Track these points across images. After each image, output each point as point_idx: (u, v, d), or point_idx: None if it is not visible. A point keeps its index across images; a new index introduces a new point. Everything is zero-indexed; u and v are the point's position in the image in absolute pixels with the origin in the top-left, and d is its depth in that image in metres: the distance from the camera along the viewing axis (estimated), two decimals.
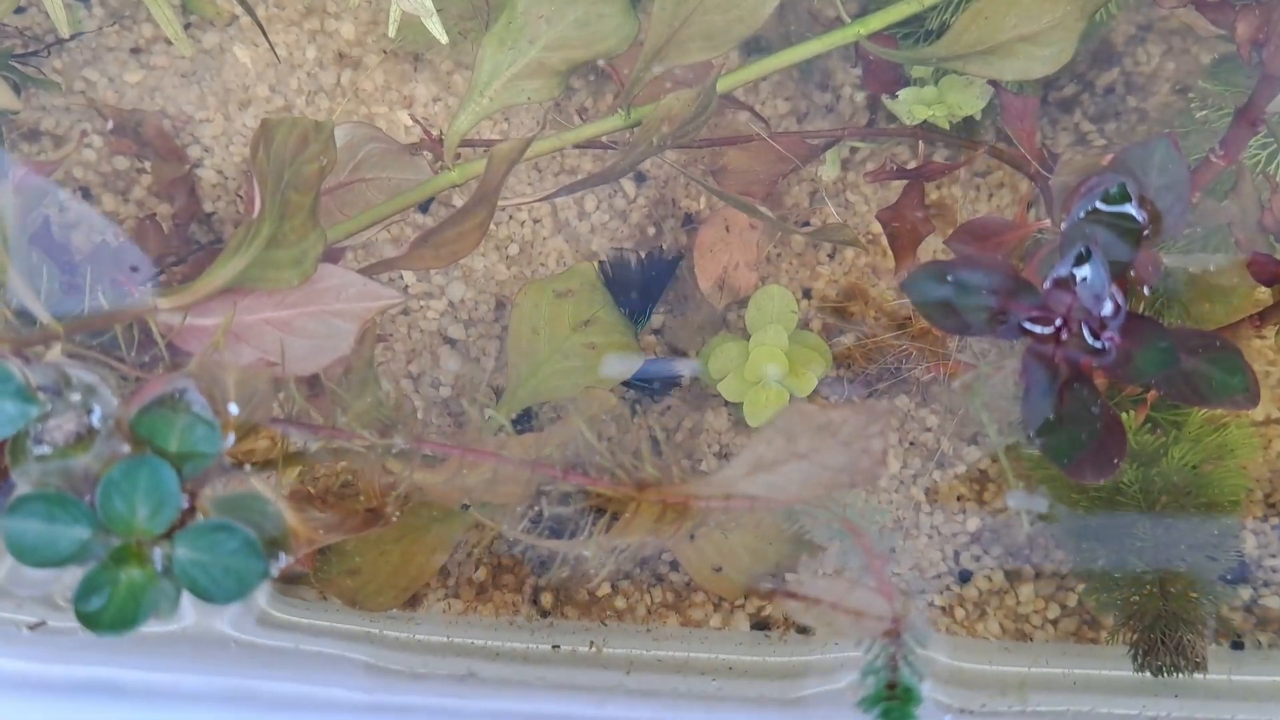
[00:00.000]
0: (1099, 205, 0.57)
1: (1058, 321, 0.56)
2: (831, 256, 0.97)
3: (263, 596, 0.79)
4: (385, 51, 0.97)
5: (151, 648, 0.67)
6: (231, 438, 0.54)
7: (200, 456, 0.52)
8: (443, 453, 0.64)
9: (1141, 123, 0.98)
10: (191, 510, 0.52)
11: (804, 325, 0.96)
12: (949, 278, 0.59)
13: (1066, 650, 0.89)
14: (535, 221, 0.97)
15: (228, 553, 0.51)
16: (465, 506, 0.78)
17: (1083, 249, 0.56)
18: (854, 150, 0.96)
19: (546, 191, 0.77)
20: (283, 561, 0.52)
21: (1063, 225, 0.56)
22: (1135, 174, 0.61)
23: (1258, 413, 0.93)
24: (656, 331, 0.96)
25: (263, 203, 0.66)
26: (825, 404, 0.91)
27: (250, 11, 0.77)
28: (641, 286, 0.94)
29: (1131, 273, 0.65)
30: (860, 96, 0.98)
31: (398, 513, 0.63)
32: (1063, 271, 0.56)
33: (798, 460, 0.59)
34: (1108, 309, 0.55)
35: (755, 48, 0.98)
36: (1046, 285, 0.56)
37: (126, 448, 0.53)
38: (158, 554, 0.52)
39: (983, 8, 0.74)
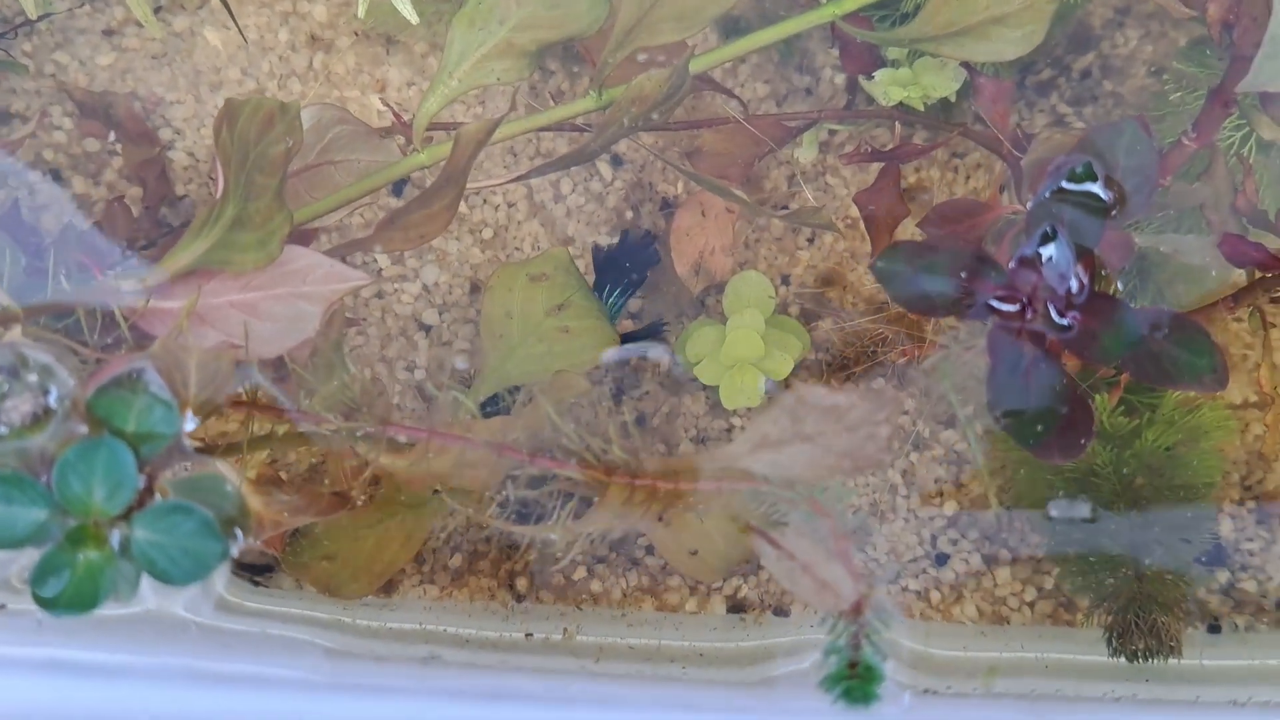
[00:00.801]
0: (1065, 185, 0.56)
1: (1023, 300, 0.56)
2: (811, 241, 0.97)
3: (220, 580, 0.78)
4: (358, 34, 0.96)
5: (109, 631, 0.67)
6: (190, 419, 0.54)
7: (158, 437, 0.52)
8: (409, 436, 0.64)
9: (1118, 106, 0.98)
10: (150, 491, 0.52)
11: (783, 310, 0.96)
12: (916, 259, 0.59)
13: (1043, 633, 0.89)
14: (510, 205, 0.96)
15: (185, 534, 0.51)
16: (436, 491, 0.78)
17: (1048, 228, 0.55)
18: (832, 133, 0.96)
19: (523, 174, 0.76)
20: (241, 542, 0.52)
21: (1028, 205, 0.56)
22: (1103, 155, 0.60)
23: (1235, 396, 0.93)
24: (634, 316, 0.96)
25: (226, 184, 0.65)
26: (834, 388, 0.91)
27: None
28: (623, 267, 0.93)
29: (1098, 253, 0.65)
30: (840, 79, 0.98)
31: (363, 497, 0.63)
32: (1028, 251, 0.56)
33: (803, 442, 0.59)
34: (1073, 287, 0.55)
35: (734, 29, 0.98)
36: (1012, 264, 0.56)
37: (84, 429, 0.53)
38: (115, 536, 0.51)
39: None
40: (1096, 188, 0.56)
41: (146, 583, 0.51)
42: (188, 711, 0.64)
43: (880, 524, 0.92)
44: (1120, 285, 0.87)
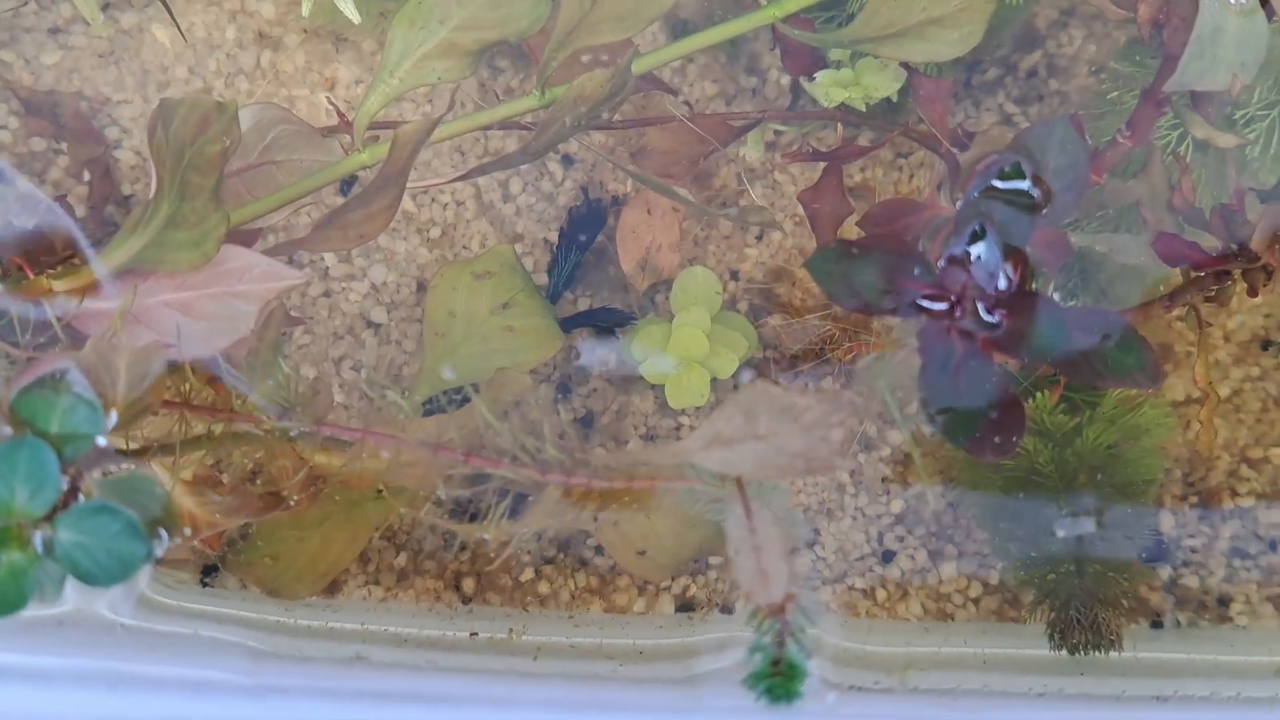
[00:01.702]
0: (994, 183, 0.57)
1: (952, 298, 0.56)
2: (759, 238, 0.97)
3: (144, 581, 0.78)
4: (306, 31, 0.96)
5: (31, 632, 0.66)
6: (114, 418, 0.54)
7: (81, 438, 0.52)
8: (343, 436, 0.64)
9: (1064, 105, 0.99)
10: (74, 492, 0.52)
11: (731, 306, 0.96)
12: (848, 258, 0.59)
13: (987, 629, 0.90)
14: (459, 204, 0.96)
15: (110, 535, 0.50)
16: (379, 491, 0.77)
17: (977, 226, 0.56)
18: (779, 133, 0.96)
19: (465, 173, 0.76)
20: (167, 543, 0.51)
21: (958, 203, 0.56)
22: (1034, 154, 0.61)
23: (1178, 393, 0.94)
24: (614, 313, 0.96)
25: (160, 183, 0.65)
26: (790, 388, 0.91)
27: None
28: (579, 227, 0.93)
29: (1029, 251, 0.66)
30: (786, 80, 0.98)
31: (297, 496, 0.63)
32: (957, 249, 0.56)
33: (756, 440, 0.59)
34: (1001, 285, 0.56)
35: (682, 30, 0.98)
36: (941, 263, 0.56)
37: (7, 429, 0.52)
38: (39, 537, 0.51)
39: None
40: (1025, 185, 0.57)
41: (69, 583, 0.51)
42: (107, 715, 0.63)
43: (829, 523, 0.93)
44: (1059, 284, 0.88)
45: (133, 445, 0.62)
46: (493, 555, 0.75)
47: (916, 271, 0.57)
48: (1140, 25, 0.69)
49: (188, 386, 0.62)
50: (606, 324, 0.94)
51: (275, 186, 0.77)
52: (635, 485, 0.62)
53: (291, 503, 0.64)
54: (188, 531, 0.64)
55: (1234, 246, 0.74)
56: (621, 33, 0.73)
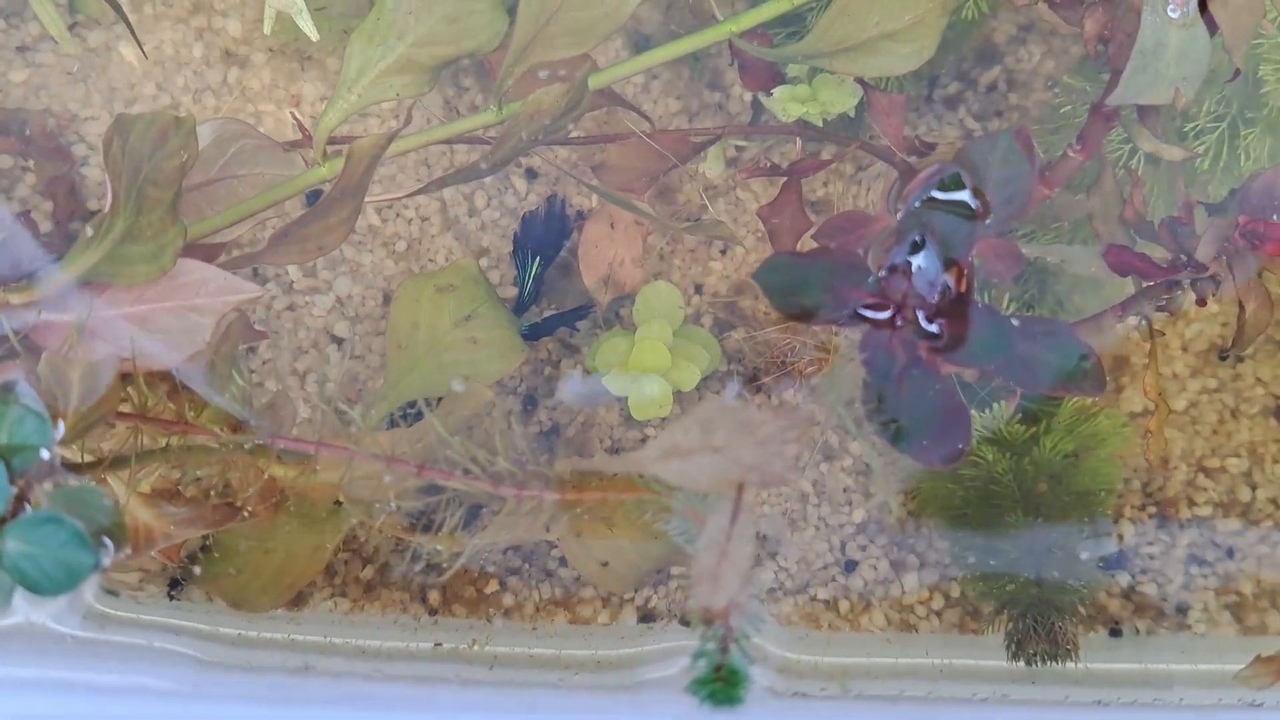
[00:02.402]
0: (935, 194, 0.58)
1: (892, 308, 0.57)
2: (724, 252, 0.98)
3: (90, 591, 0.78)
4: (272, 50, 0.97)
5: None
6: (62, 430, 0.54)
7: (29, 450, 0.52)
8: (297, 448, 0.64)
9: (1023, 119, 1.00)
10: (22, 503, 0.52)
11: (696, 320, 0.97)
12: (793, 270, 0.60)
13: (949, 641, 0.90)
14: (424, 219, 0.97)
15: (57, 545, 0.51)
16: (337, 503, 0.78)
17: (917, 237, 0.57)
18: (740, 148, 0.97)
19: (422, 187, 0.77)
20: (114, 554, 0.52)
21: (898, 215, 0.57)
22: (978, 166, 0.62)
23: (1135, 404, 0.95)
24: (575, 316, 0.96)
25: (116, 197, 0.66)
26: (748, 402, 0.92)
27: (120, 11, 0.77)
28: (542, 236, 0.94)
29: (974, 260, 0.67)
30: (749, 96, 0.99)
31: (250, 509, 0.63)
32: (898, 259, 0.57)
33: (712, 453, 0.59)
34: (940, 295, 0.56)
35: (645, 46, 0.99)
36: (882, 273, 0.57)
37: None
38: None
39: (846, 5, 0.76)
40: (965, 196, 0.58)
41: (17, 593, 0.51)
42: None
43: (792, 533, 0.94)
44: (1016, 295, 0.89)
45: (88, 458, 0.62)
46: (445, 566, 0.75)
47: (859, 281, 0.58)
48: (1086, 41, 0.70)
49: (144, 399, 0.63)
50: (571, 325, 0.94)
51: (237, 200, 0.77)
52: (587, 497, 0.63)
53: (245, 514, 0.65)
54: (142, 543, 0.64)
55: (1183, 257, 0.75)
56: (576, 48, 0.74)
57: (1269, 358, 0.98)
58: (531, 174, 0.98)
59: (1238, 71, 0.69)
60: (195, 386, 0.65)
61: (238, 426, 0.64)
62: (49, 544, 0.51)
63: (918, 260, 0.56)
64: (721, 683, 0.50)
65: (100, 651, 0.72)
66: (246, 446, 0.63)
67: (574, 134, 0.88)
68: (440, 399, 0.80)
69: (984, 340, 0.57)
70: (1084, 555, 0.87)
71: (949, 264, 0.57)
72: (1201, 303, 0.75)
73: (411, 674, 0.80)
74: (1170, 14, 0.63)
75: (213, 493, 0.65)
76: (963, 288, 0.59)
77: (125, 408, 0.65)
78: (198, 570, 0.88)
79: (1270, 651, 0.75)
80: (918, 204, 0.57)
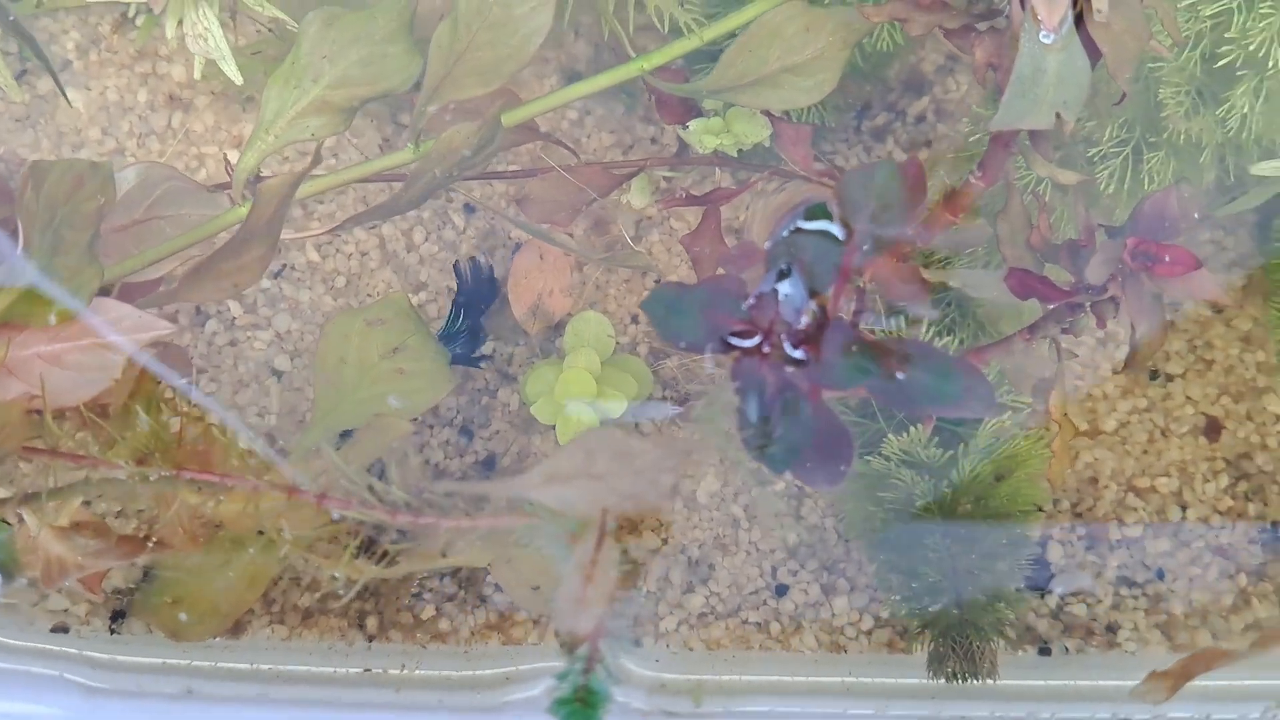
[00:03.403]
0: (801, 224, 0.59)
1: (760, 334, 0.59)
2: (658, 282, 1.00)
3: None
4: (214, 93, 1.00)
5: None
6: None
7: None
8: (202, 479, 0.66)
9: (951, 150, 1.02)
10: None
11: (632, 349, 0.99)
12: (672, 298, 0.62)
13: (873, 660, 0.91)
14: (363, 254, 0.99)
15: None
16: (260, 533, 0.80)
17: (784, 265, 0.58)
18: (669, 179, 0.99)
19: (337, 225, 0.79)
20: (3, 584, 0.54)
21: (766, 244, 0.59)
22: (855, 196, 0.63)
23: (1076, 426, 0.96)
24: (487, 358, 0.98)
25: (29, 241, 0.68)
26: (630, 431, 0.93)
27: (48, 67, 0.80)
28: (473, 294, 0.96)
29: (868, 287, 0.68)
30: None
31: (157, 539, 0.65)
32: (765, 287, 0.59)
33: (591, 480, 0.61)
34: (806, 321, 0.58)
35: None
36: (750, 301, 0.59)
37: None
38: None
39: (747, 40, 0.78)
40: (830, 226, 0.59)
41: None
42: None
43: (723, 557, 0.95)
44: (935, 320, 0.90)
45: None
46: (341, 594, 0.77)
47: (731, 310, 0.59)
48: (975, 69, 0.72)
49: (56, 435, 0.65)
50: (475, 364, 0.96)
51: (162, 240, 0.80)
52: (480, 523, 0.64)
53: (150, 545, 0.66)
54: (54, 574, 0.66)
55: (1083, 281, 0.76)
56: (483, 86, 0.76)
57: (1199, 376, 0.99)
58: (469, 209, 1.01)
59: (1124, 95, 0.70)
60: (107, 422, 0.67)
61: (144, 459, 0.66)
62: None
63: (784, 288, 0.58)
64: (581, 703, 0.51)
65: None
66: (152, 478, 0.65)
67: (499, 168, 0.91)
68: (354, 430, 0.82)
69: (853, 365, 0.59)
70: (1006, 575, 0.88)
71: (814, 290, 0.59)
72: (1101, 325, 0.76)
73: (331, 699, 0.82)
74: (1044, 39, 0.65)
75: (126, 524, 0.67)
76: (837, 313, 0.61)
77: (40, 444, 0.67)
78: (137, 602, 0.90)
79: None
80: (785, 233, 0.59)
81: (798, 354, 0.58)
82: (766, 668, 0.91)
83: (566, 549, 0.59)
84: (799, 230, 0.60)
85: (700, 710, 0.79)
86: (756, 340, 0.59)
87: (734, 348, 0.59)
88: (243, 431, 0.70)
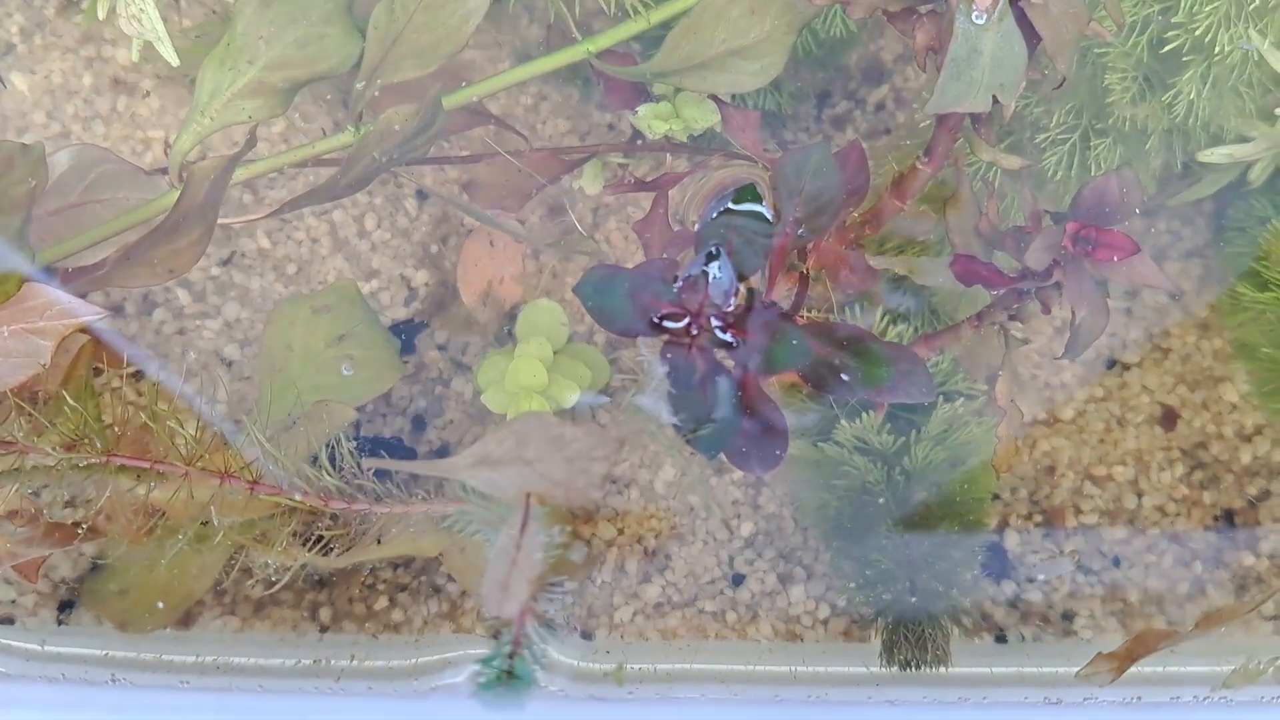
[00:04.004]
0: (730, 205, 0.59)
1: (689, 317, 0.58)
2: None
3: None
4: (160, 77, 0.98)
5: None
6: None
7: None
8: (132, 465, 0.65)
9: (910, 137, 1.01)
10: None
11: (588, 338, 0.98)
12: (603, 282, 0.61)
13: (828, 649, 0.91)
14: (313, 241, 0.98)
15: None
16: (203, 523, 0.79)
17: (713, 248, 0.58)
18: (623, 165, 0.98)
19: (275, 210, 0.78)
20: None
21: (695, 226, 0.58)
22: (790, 178, 0.63)
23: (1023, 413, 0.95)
24: (441, 348, 0.98)
25: None
26: (563, 419, 0.93)
27: None
28: None
29: (811, 272, 0.67)
30: None
31: (83, 526, 0.64)
32: (694, 270, 0.58)
33: (522, 465, 0.61)
34: (735, 304, 0.57)
35: None
36: (679, 283, 0.58)
37: None
38: None
39: (692, 23, 0.77)
40: (759, 208, 0.59)
41: None
42: None
43: (679, 546, 0.94)
44: (890, 306, 0.90)
45: None
46: (274, 580, 0.77)
47: (661, 293, 0.59)
48: (916, 53, 0.71)
49: None
50: None
51: (98, 224, 0.79)
52: (413, 509, 0.64)
53: (81, 532, 0.66)
54: None
55: (1028, 266, 0.76)
56: (420, 69, 0.75)
57: (1155, 365, 0.98)
58: (422, 195, 1.00)
59: (1063, 79, 0.69)
60: (35, 408, 0.66)
61: (73, 445, 0.65)
62: None
63: (712, 270, 0.57)
64: (506, 688, 0.50)
65: None
66: (82, 465, 0.64)
67: (450, 153, 0.90)
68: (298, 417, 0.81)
69: (783, 349, 0.58)
70: (961, 562, 0.88)
71: (751, 271, 0.58)
72: (1046, 310, 0.75)
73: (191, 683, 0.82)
74: (976, 20, 0.64)
75: (75, 515, 0.66)
76: (770, 297, 0.60)
77: None
78: (85, 591, 0.89)
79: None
80: (714, 215, 0.58)
81: (726, 337, 0.58)
82: (722, 657, 0.91)
83: (509, 528, 0.58)
84: (729, 212, 0.59)
85: (628, 693, 0.79)
86: (685, 322, 0.58)
87: (664, 330, 0.58)
88: (187, 419, 0.69)
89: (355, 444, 0.67)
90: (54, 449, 0.64)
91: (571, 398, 0.91)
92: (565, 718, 0.74)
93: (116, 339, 0.92)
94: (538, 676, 0.51)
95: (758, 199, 0.59)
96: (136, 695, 0.76)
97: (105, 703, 0.74)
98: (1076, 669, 0.89)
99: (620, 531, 0.95)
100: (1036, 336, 1.00)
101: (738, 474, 0.96)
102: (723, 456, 0.96)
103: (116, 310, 0.95)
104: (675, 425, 0.59)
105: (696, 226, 0.60)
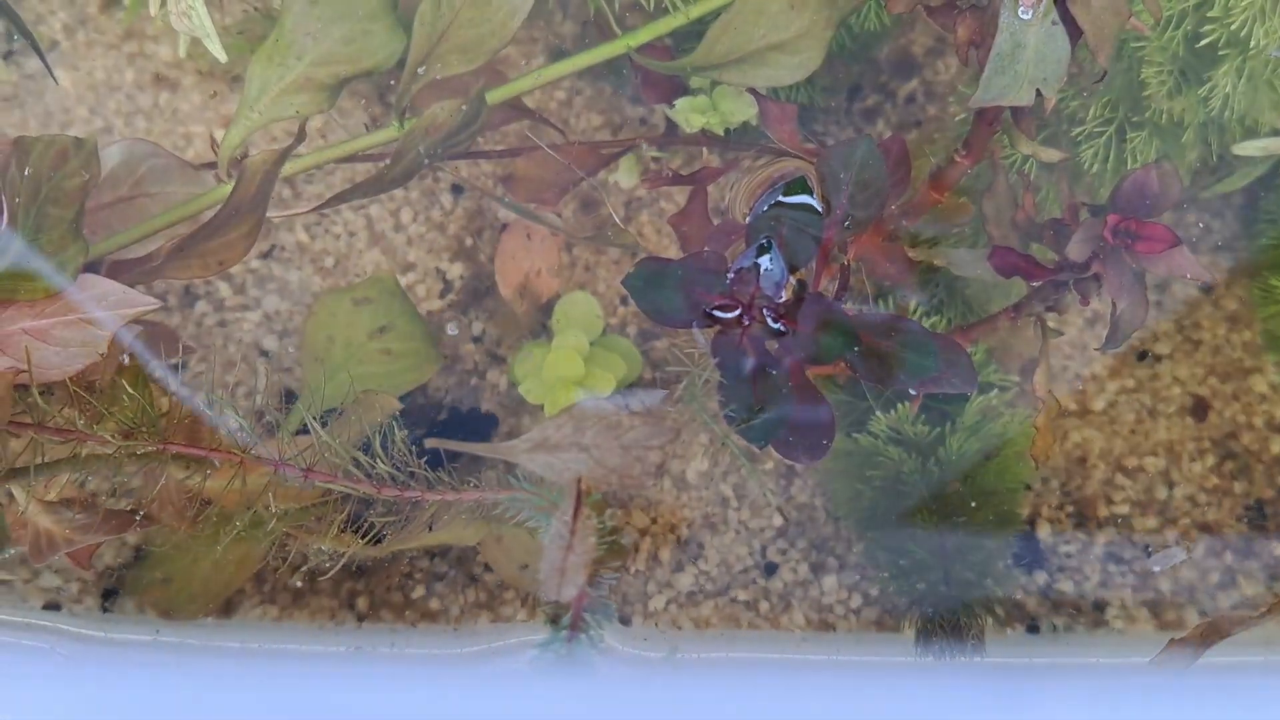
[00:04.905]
0: (781, 199, 0.60)
1: (740, 308, 0.59)
2: None
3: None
4: (201, 72, 1.00)
5: None
6: None
7: None
8: (189, 454, 0.66)
9: (940, 130, 1.02)
10: None
11: (621, 330, 0.99)
12: (654, 274, 0.62)
13: (862, 639, 0.92)
14: (351, 235, 0.99)
15: None
16: (250, 510, 0.80)
17: (764, 240, 0.59)
18: (657, 159, 0.99)
19: (323, 202, 0.79)
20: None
21: (747, 219, 0.59)
22: (836, 171, 0.64)
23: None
24: (476, 339, 0.99)
25: (13, 217, 0.68)
26: (621, 407, 0.94)
27: (36, 48, 0.80)
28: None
29: (853, 264, 0.68)
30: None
31: (140, 514, 0.65)
32: (745, 261, 0.59)
33: (579, 450, 0.62)
34: (786, 295, 0.58)
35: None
36: (730, 275, 0.59)
37: None
38: None
39: (732, 18, 0.78)
40: (811, 200, 0.60)
41: None
42: None
43: (712, 536, 0.95)
44: (924, 298, 0.90)
45: None
46: (327, 568, 0.78)
47: (712, 285, 0.60)
48: (958, 47, 0.72)
49: (42, 409, 0.65)
50: None
51: (147, 218, 0.80)
52: (465, 496, 0.65)
53: (138, 519, 0.67)
54: (44, 549, 0.66)
55: (1067, 258, 0.77)
56: (467, 64, 0.76)
57: (1186, 357, 0.99)
58: (457, 189, 1.01)
59: (1104, 73, 0.70)
60: (93, 396, 0.67)
61: (130, 434, 0.66)
62: None
63: (764, 262, 0.58)
64: (564, 670, 0.51)
65: None
66: (138, 453, 0.66)
67: (486, 147, 0.91)
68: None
69: (832, 338, 0.59)
70: (995, 553, 0.89)
71: (803, 262, 0.59)
72: (1085, 302, 0.76)
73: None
74: (1022, 15, 0.65)
75: (119, 504, 0.67)
76: (817, 288, 0.61)
77: (25, 418, 0.68)
78: (129, 580, 0.91)
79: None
80: (765, 208, 0.59)
81: (778, 326, 0.59)
82: (754, 646, 0.92)
83: (549, 522, 0.59)
84: (780, 205, 0.60)
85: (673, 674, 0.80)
86: (737, 313, 0.59)
87: (715, 321, 0.59)
88: (230, 409, 0.70)
89: (405, 433, 0.68)
90: (113, 436, 0.65)
91: (608, 388, 0.92)
92: (617, 698, 0.75)
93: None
94: (594, 660, 0.52)
95: (809, 191, 0.59)
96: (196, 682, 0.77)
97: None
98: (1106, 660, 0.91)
99: (653, 520, 0.96)
100: (1068, 328, 1.01)
101: (769, 464, 0.97)
102: (753, 448, 0.97)
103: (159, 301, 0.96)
104: (727, 416, 0.60)
105: (747, 219, 0.61)
